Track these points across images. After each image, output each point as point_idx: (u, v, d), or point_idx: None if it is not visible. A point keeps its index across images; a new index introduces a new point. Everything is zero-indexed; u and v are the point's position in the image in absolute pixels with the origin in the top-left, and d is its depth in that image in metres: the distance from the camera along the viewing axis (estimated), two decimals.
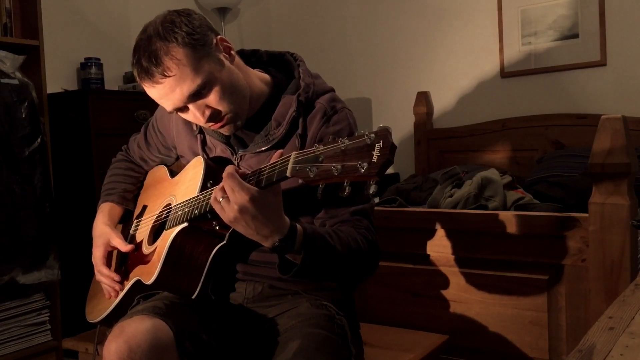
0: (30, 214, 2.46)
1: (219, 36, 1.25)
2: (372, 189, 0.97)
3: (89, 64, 3.10)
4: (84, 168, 2.81)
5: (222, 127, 1.28)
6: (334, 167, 0.95)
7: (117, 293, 1.42)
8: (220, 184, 1.10)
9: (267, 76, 1.37)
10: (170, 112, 1.28)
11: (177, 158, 1.55)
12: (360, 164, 0.93)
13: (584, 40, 3.11)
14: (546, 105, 3.24)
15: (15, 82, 2.46)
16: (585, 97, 3.14)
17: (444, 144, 3.53)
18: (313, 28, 4.00)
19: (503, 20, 3.33)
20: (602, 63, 3.08)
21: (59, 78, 3.07)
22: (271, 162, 1.08)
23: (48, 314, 2.61)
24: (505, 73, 3.36)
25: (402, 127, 3.72)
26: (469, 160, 3.35)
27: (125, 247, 1.42)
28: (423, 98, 3.57)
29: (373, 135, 0.94)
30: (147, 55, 1.18)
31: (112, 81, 3.35)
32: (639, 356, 0.79)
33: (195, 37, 1.19)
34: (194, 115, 1.25)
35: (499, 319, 1.76)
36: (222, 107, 1.24)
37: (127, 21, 3.47)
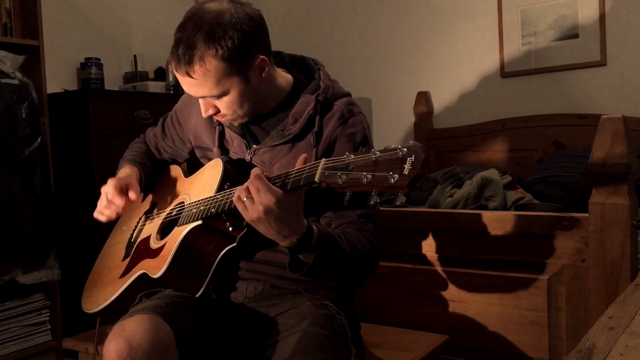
0: (30, 214, 2.47)
1: (261, 56, 1.26)
2: (400, 201, 1.00)
3: (89, 64, 3.10)
4: (84, 168, 2.81)
5: (221, 119, 1.35)
6: (364, 176, 0.98)
7: (106, 218, 1.43)
8: (245, 184, 1.12)
9: (289, 76, 1.40)
10: None
11: (189, 154, 1.56)
12: (391, 175, 0.96)
13: (584, 40, 3.10)
14: (546, 105, 3.24)
15: (15, 82, 2.46)
16: (585, 97, 3.14)
17: (444, 144, 3.53)
18: (313, 28, 4.00)
19: (503, 20, 3.33)
20: (602, 63, 3.07)
21: (59, 78, 3.08)
22: (297, 166, 1.11)
23: (48, 314, 2.61)
24: (505, 73, 3.35)
25: (402, 127, 3.72)
26: (469, 160, 3.35)
27: (134, 195, 1.42)
28: (423, 98, 3.57)
29: (405, 149, 0.97)
30: (186, 48, 1.20)
31: (112, 81, 3.35)
32: (639, 356, 0.79)
33: (235, 55, 1.21)
34: (199, 104, 1.32)
35: (499, 319, 1.76)
36: (227, 111, 1.30)
37: (127, 21, 3.47)
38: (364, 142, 1.32)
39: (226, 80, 1.23)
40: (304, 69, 1.44)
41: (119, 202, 1.40)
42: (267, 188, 1.08)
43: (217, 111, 1.30)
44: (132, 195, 1.42)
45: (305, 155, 1.13)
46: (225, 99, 1.26)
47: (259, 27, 1.26)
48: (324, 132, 1.32)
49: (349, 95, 1.40)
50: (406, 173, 0.95)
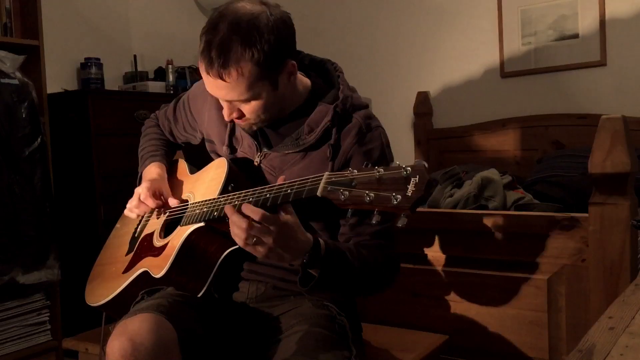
0: (30, 213, 2.47)
1: (292, 62, 1.25)
2: (401, 222, 0.98)
3: (89, 64, 3.10)
4: (84, 168, 2.81)
5: (241, 123, 1.32)
6: (366, 194, 0.97)
7: (136, 215, 1.48)
8: (246, 224, 1.09)
9: (308, 81, 1.38)
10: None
11: (202, 140, 1.55)
12: (394, 196, 0.95)
13: (584, 40, 3.10)
14: (546, 105, 3.24)
15: (15, 82, 2.46)
16: (585, 97, 3.14)
17: (444, 144, 3.53)
18: (313, 28, 4.00)
19: (503, 20, 3.33)
20: (602, 63, 3.07)
21: (59, 78, 3.08)
22: (277, 184, 1.11)
23: (48, 314, 2.61)
24: (505, 73, 3.36)
25: (402, 127, 3.72)
26: (469, 160, 3.35)
27: (173, 201, 1.43)
28: (423, 98, 3.57)
29: (410, 169, 0.96)
30: (220, 50, 1.17)
31: (112, 81, 3.35)
32: (639, 356, 0.79)
33: (270, 59, 1.18)
34: (223, 107, 1.29)
35: (499, 319, 1.76)
36: (251, 116, 1.27)
37: (127, 21, 3.47)
38: (381, 157, 1.30)
39: (258, 84, 1.20)
40: (323, 73, 1.42)
41: (151, 203, 1.42)
42: (268, 219, 1.08)
43: (241, 115, 1.27)
44: (169, 200, 1.44)
45: (283, 177, 1.15)
46: (253, 103, 1.24)
47: (291, 32, 1.24)
48: (342, 146, 1.30)
49: (366, 106, 1.37)
50: (409, 194, 0.94)
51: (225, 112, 1.28)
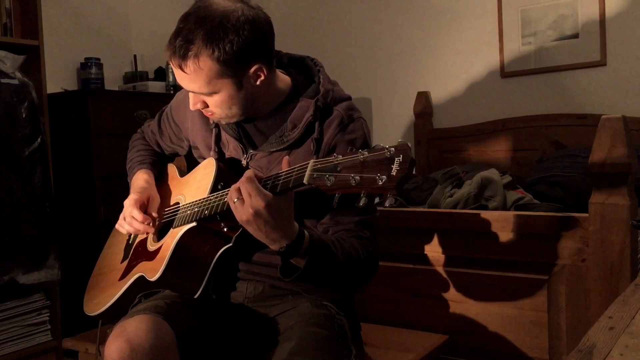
0: (31, 213, 2.47)
1: (258, 65, 1.24)
2: (389, 202, 0.99)
3: (89, 64, 3.10)
4: (84, 168, 2.81)
5: (209, 115, 1.33)
6: (352, 177, 0.98)
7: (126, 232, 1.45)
8: (237, 185, 1.12)
9: (288, 78, 1.38)
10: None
11: (189, 150, 1.55)
12: (379, 177, 0.95)
13: (584, 40, 3.10)
14: (546, 105, 3.24)
15: (15, 82, 2.46)
16: (585, 97, 3.14)
17: (444, 144, 3.53)
18: (313, 28, 4.00)
19: (503, 20, 3.33)
20: (602, 63, 3.07)
21: (59, 78, 3.08)
22: (282, 169, 1.11)
23: (48, 314, 2.61)
24: (505, 73, 3.36)
25: (402, 127, 3.72)
26: (469, 160, 3.35)
27: (155, 215, 1.43)
28: (423, 98, 3.57)
29: (393, 149, 0.96)
30: (183, 41, 1.19)
31: (112, 81, 3.35)
32: (639, 356, 0.79)
33: (231, 59, 1.19)
34: (189, 97, 1.31)
35: (499, 319, 1.76)
36: (215, 110, 1.29)
37: (127, 21, 3.47)
38: (364, 147, 1.28)
39: (217, 81, 1.22)
40: (303, 70, 1.42)
41: (140, 218, 1.41)
42: (257, 191, 1.08)
43: (206, 106, 1.29)
44: (153, 214, 1.43)
45: (287, 157, 1.14)
46: (216, 97, 1.25)
47: (263, 35, 1.23)
48: (324, 138, 1.30)
49: (349, 98, 1.37)
50: (394, 174, 0.95)
51: (190, 102, 1.30)
